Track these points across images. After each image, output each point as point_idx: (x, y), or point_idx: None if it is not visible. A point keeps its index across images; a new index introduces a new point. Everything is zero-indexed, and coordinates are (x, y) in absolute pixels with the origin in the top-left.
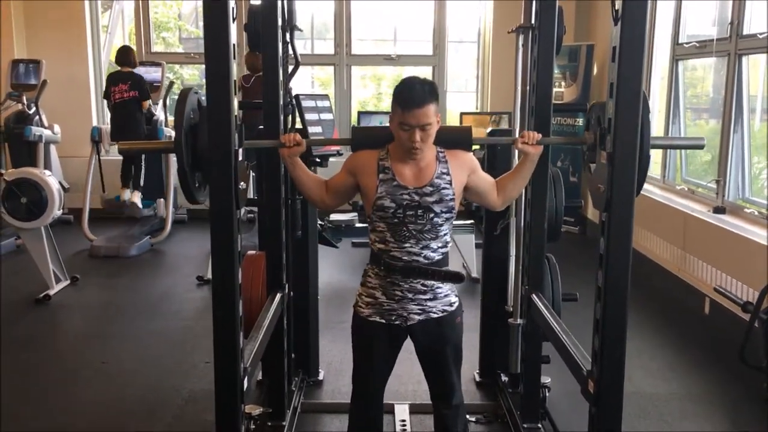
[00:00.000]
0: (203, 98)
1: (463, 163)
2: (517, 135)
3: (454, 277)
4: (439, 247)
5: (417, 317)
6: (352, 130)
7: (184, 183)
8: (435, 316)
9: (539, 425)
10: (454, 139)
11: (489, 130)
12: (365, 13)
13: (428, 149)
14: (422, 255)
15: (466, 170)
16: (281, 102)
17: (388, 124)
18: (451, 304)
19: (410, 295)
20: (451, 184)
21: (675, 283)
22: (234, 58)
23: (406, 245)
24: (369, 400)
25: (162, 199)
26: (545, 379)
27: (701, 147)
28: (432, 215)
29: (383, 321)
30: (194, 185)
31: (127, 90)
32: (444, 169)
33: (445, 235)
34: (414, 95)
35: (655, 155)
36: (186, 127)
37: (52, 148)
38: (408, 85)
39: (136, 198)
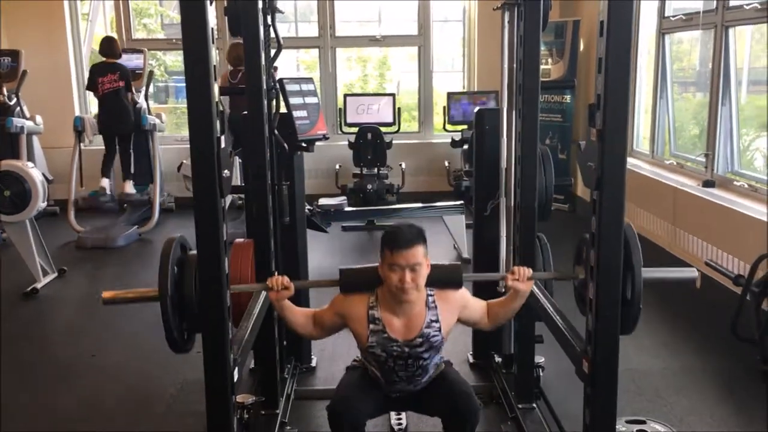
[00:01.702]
0: (187, 243)
1: (454, 305)
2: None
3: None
4: (429, 375)
5: (414, 388)
6: (340, 272)
7: (168, 333)
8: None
9: (534, 405)
10: (443, 278)
11: (477, 109)
12: None
13: (418, 292)
14: (414, 385)
15: (456, 311)
16: (264, 87)
17: (377, 265)
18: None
19: (406, 382)
20: (440, 330)
21: (666, 258)
22: (213, 42)
23: (398, 385)
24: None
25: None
26: (539, 359)
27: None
28: (421, 361)
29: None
30: (181, 336)
31: (117, 80)
32: (433, 317)
33: (435, 364)
34: (402, 236)
35: (644, 130)
36: (171, 279)
37: (35, 139)
38: (395, 229)
39: (129, 187)
